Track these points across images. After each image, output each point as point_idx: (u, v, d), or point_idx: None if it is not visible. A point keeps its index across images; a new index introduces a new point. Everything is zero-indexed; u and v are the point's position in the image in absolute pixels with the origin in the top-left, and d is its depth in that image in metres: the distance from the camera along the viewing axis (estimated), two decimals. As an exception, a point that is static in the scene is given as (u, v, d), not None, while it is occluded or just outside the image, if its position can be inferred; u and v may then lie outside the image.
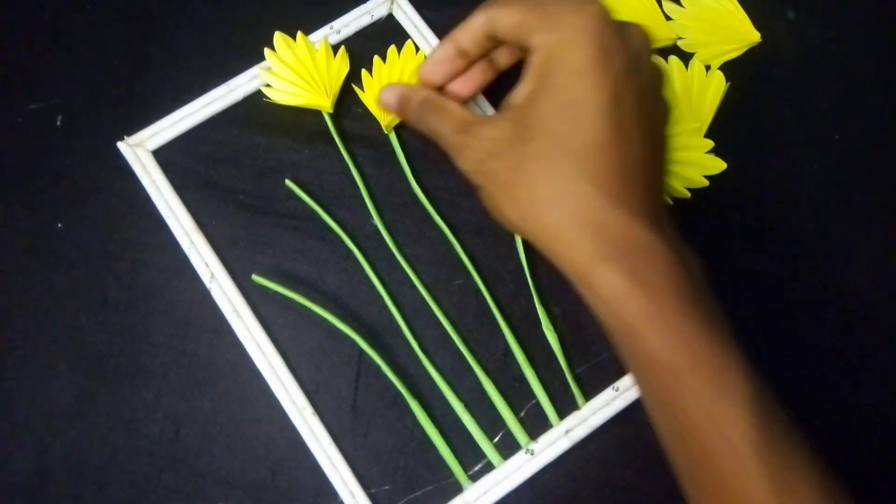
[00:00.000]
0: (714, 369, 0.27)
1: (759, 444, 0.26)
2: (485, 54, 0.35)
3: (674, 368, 0.27)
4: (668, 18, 0.42)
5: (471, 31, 0.33)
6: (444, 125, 0.33)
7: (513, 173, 0.30)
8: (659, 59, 0.32)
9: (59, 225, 0.39)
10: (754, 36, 0.42)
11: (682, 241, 0.30)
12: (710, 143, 0.39)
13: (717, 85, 0.40)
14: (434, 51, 0.35)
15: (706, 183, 0.39)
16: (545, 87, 0.30)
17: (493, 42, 0.34)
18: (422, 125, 0.35)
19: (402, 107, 0.36)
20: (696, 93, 0.40)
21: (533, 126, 0.30)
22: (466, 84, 0.36)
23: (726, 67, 0.42)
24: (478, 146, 0.31)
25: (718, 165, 0.39)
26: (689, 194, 0.39)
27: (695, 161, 0.39)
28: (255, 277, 0.36)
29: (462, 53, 0.34)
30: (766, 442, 0.27)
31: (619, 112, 0.29)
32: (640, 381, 0.30)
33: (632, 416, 0.36)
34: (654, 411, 0.30)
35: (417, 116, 0.35)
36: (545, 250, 0.30)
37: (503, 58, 0.36)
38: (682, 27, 0.42)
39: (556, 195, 0.29)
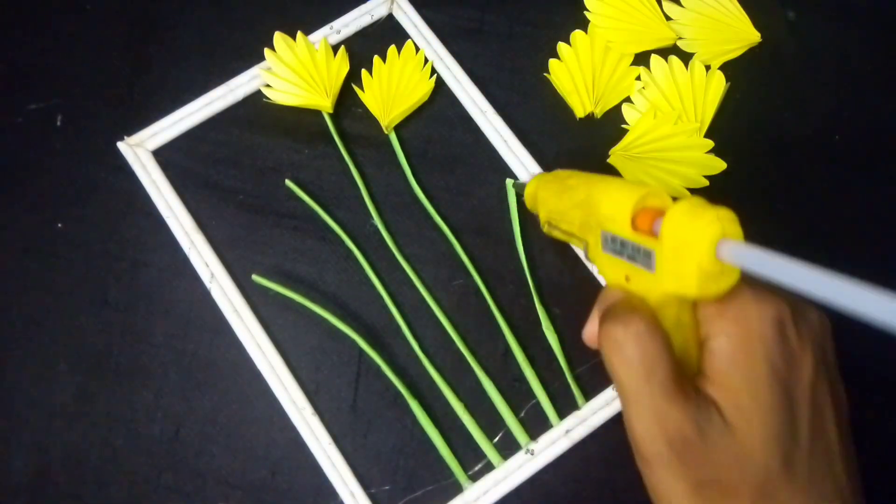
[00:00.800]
0: None
1: None
2: None
3: None
4: (668, 18, 0.42)
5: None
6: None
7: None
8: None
9: (59, 225, 0.39)
10: (754, 36, 0.42)
11: None
12: (710, 143, 0.39)
13: (717, 85, 0.40)
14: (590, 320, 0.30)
15: (706, 183, 0.39)
16: (734, 391, 0.25)
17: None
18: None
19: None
20: (696, 93, 0.40)
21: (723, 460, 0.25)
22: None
23: (726, 67, 0.42)
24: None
25: (718, 165, 0.39)
26: (689, 194, 0.39)
27: (695, 161, 0.39)
28: (255, 277, 0.36)
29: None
30: None
31: (822, 428, 0.26)
32: None
33: (632, 416, 0.36)
34: None
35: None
36: None
37: None
38: (682, 27, 0.42)
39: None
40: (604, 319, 0.26)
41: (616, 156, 0.39)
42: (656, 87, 0.41)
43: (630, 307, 0.26)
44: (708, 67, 0.41)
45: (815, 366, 0.26)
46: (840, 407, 0.27)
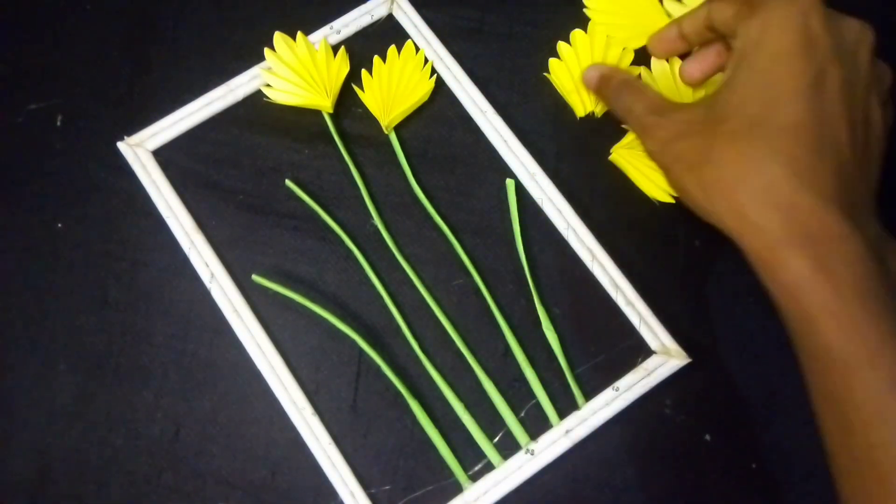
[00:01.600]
0: (892, 366, 0.26)
1: None
2: (705, 43, 0.36)
3: (849, 362, 0.27)
4: (669, 16, 0.42)
5: (693, 18, 0.35)
6: (638, 105, 0.34)
7: (701, 154, 0.30)
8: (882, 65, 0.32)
9: (59, 225, 0.39)
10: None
11: (886, 238, 0.30)
12: None
13: (716, 83, 0.40)
14: (660, 28, 0.37)
15: None
16: (744, 70, 0.30)
17: (712, 33, 0.34)
18: (616, 104, 0.36)
19: (601, 84, 0.38)
20: (696, 92, 0.40)
21: (727, 108, 0.30)
22: (699, 66, 0.36)
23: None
24: (669, 127, 0.32)
25: None
26: (673, 200, 0.38)
27: None
28: (255, 277, 0.36)
29: (683, 36, 0.36)
30: None
31: (820, 97, 0.29)
32: (811, 373, 0.29)
33: (632, 416, 0.36)
34: (821, 406, 0.29)
35: (614, 95, 0.36)
36: (728, 230, 0.30)
37: None
38: None
39: (745, 175, 0.29)
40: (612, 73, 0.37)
41: (618, 153, 0.39)
42: (657, 87, 0.41)
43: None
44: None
45: (838, 50, 0.30)
46: (874, 117, 0.31)
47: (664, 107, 0.34)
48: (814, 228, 0.28)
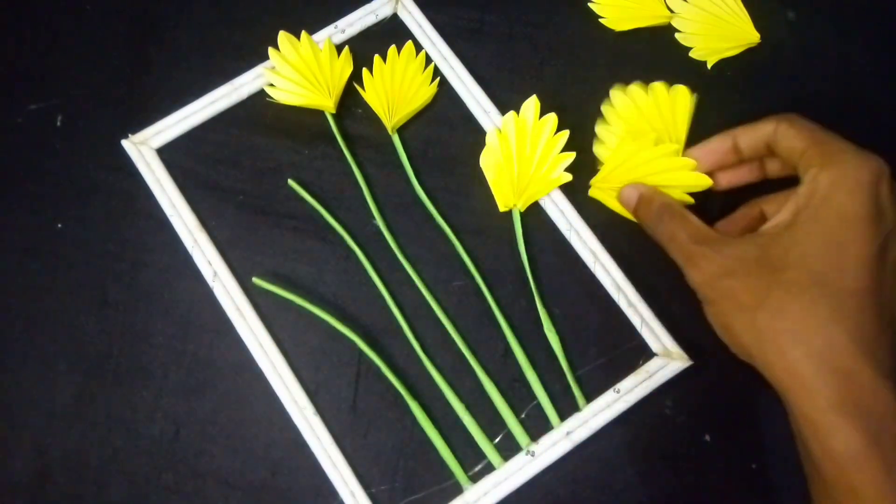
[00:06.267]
0: None
1: None
2: (757, 159, 0.35)
3: None
4: (671, 11, 0.43)
5: (754, 134, 0.34)
6: (682, 232, 0.32)
7: (757, 297, 0.29)
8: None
9: (59, 225, 0.39)
10: (753, 36, 0.42)
11: None
12: (692, 163, 0.36)
13: (683, 100, 0.38)
14: (711, 139, 0.35)
15: (691, 201, 0.36)
16: (808, 221, 0.29)
17: (769, 152, 0.34)
18: (658, 228, 0.34)
19: (640, 206, 0.35)
20: (666, 113, 0.38)
21: (788, 257, 0.29)
22: (729, 177, 0.36)
23: (726, 66, 0.42)
24: (718, 261, 0.31)
25: (703, 183, 0.36)
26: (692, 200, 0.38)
27: (679, 181, 0.36)
28: (256, 280, 0.36)
29: (736, 151, 0.35)
30: None
31: (883, 268, 0.29)
32: None
33: (633, 418, 0.36)
34: None
35: (655, 218, 0.34)
36: (776, 381, 0.29)
37: (774, 168, 0.36)
38: (683, 21, 0.42)
39: (805, 331, 0.28)
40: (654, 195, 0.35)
41: (596, 188, 0.38)
42: (621, 120, 0.39)
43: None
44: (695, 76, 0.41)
45: None
46: None
47: (711, 237, 0.32)
48: (869, 401, 0.27)
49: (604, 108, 0.39)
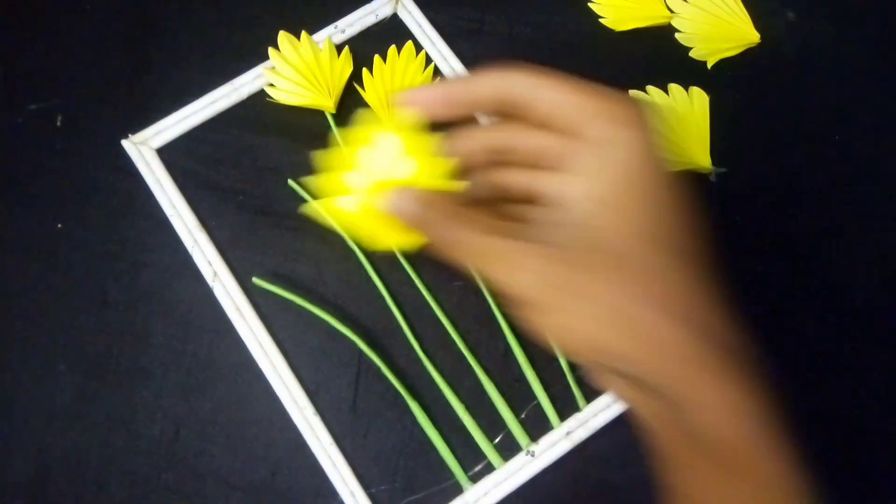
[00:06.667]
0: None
1: None
2: (471, 120, 0.29)
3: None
4: (671, 12, 0.43)
5: (492, 83, 0.27)
6: (473, 233, 0.26)
7: (601, 279, 0.25)
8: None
9: (59, 225, 0.38)
10: (753, 37, 0.42)
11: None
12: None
13: (701, 102, 0.40)
14: (445, 83, 0.29)
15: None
16: (613, 188, 0.26)
17: (511, 110, 0.27)
18: (444, 240, 0.27)
19: (425, 215, 0.27)
20: (687, 115, 0.40)
21: (613, 235, 0.26)
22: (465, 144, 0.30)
23: (726, 66, 0.42)
24: (536, 251, 0.26)
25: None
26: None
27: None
28: (256, 280, 0.36)
29: (468, 104, 0.28)
30: None
31: (688, 213, 0.27)
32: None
33: (633, 418, 0.36)
34: None
35: (441, 230, 0.27)
36: (636, 362, 0.25)
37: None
38: (683, 21, 0.42)
39: (661, 296, 0.25)
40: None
41: (310, 207, 0.32)
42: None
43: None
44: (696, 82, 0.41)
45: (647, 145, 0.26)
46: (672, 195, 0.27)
47: (502, 227, 0.27)
48: (734, 357, 0.26)
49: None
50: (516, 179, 0.29)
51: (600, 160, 0.26)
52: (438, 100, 0.28)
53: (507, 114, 0.28)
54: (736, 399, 0.26)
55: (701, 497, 0.27)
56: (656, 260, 0.26)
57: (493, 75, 0.27)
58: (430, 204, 0.27)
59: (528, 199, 0.28)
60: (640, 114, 0.26)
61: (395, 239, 0.29)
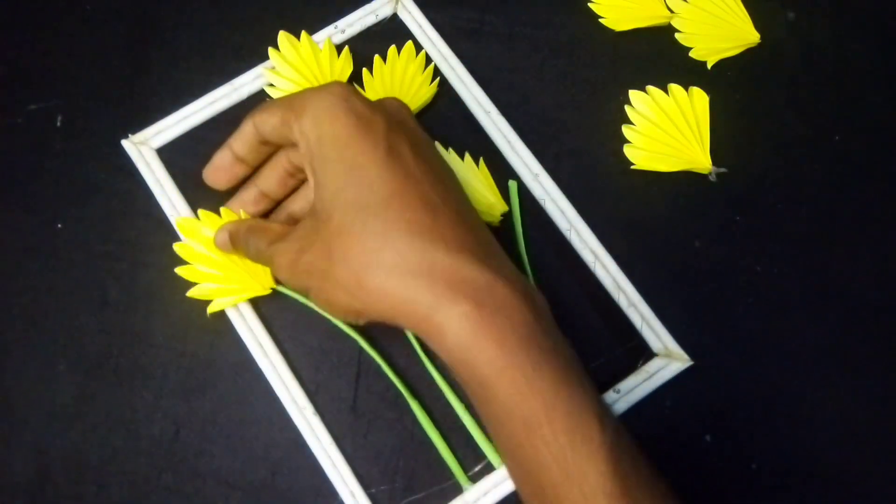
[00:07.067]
0: (568, 418, 0.26)
1: (615, 496, 0.25)
2: (267, 158, 0.35)
3: (529, 421, 0.26)
4: (671, 12, 0.43)
5: (242, 138, 0.34)
6: (262, 242, 0.33)
7: (325, 258, 0.29)
8: None
9: (59, 225, 0.38)
10: (753, 37, 0.42)
11: (521, 275, 0.29)
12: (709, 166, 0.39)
13: (701, 102, 0.40)
14: (214, 157, 0.36)
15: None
16: (320, 165, 0.30)
17: (269, 146, 0.34)
18: (249, 252, 0.34)
19: (234, 240, 0.35)
20: (688, 114, 0.40)
21: (326, 206, 0.29)
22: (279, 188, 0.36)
23: (726, 66, 0.42)
24: (289, 248, 0.31)
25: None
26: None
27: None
28: (256, 278, 0.37)
29: (240, 160, 0.35)
30: (621, 493, 0.26)
31: (401, 163, 0.29)
32: (497, 437, 0.28)
33: (633, 418, 0.36)
34: (513, 471, 0.29)
35: (245, 245, 0.34)
36: (386, 319, 0.29)
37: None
38: (683, 21, 0.42)
39: (372, 256, 0.28)
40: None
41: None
42: (646, 121, 0.40)
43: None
44: (690, 87, 0.41)
45: (391, 117, 0.31)
46: (440, 162, 0.32)
47: (284, 232, 0.32)
48: (462, 284, 0.27)
49: (627, 110, 0.40)
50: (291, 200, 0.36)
51: (308, 156, 0.30)
52: (223, 179, 0.36)
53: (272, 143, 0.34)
54: (471, 325, 0.27)
55: (482, 420, 0.30)
56: (354, 219, 0.29)
57: (240, 134, 0.34)
58: (237, 229, 0.35)
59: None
60: (317, 97, 0.30)
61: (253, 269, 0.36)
